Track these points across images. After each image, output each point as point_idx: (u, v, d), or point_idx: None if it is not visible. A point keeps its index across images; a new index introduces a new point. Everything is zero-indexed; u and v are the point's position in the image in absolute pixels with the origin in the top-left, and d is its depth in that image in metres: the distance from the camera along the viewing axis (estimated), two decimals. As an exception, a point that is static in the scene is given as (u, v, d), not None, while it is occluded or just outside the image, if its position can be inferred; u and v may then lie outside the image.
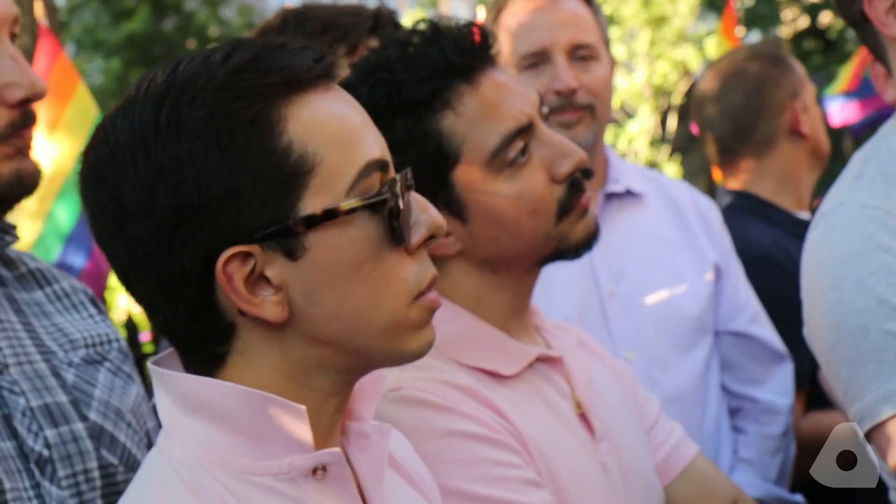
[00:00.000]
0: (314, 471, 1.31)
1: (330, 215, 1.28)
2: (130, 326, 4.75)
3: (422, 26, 1.85)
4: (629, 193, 2.88)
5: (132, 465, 1.83)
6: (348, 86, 1.86)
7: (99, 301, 2.00)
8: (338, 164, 1.29)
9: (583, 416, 1.90)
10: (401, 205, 1.32)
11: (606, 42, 2.89)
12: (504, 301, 1.89)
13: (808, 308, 1.95)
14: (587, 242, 1.89)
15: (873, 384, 1.80)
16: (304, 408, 1.30)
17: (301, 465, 1.31)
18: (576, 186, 1.86)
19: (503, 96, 1.83)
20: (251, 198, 1.26)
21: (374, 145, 1.33)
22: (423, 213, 1.35)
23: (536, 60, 2.78)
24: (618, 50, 10.98)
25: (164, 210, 1.26)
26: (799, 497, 2.83)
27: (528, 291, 1.94)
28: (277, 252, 1.28)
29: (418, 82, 1.80)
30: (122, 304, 6.57)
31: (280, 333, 1.31)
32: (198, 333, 1.31)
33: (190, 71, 1.29)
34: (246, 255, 1.27)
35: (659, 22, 10.77)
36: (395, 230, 1.31)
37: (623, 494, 1.88)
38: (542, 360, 1.90)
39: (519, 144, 1.82)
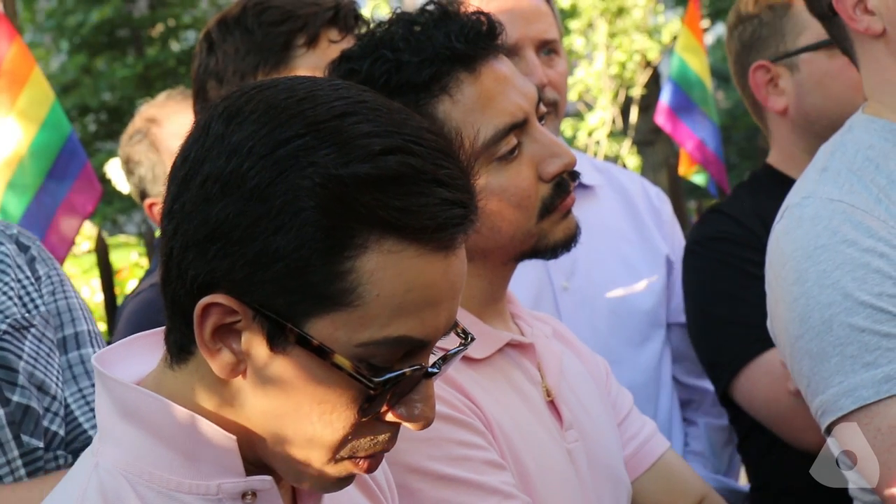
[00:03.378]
0: (243, 495, 1.31)
1: (321, 353, 1.23)
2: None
3: (431, 8, 1.85)
4: (581, 186, 2.87)
5: (53, 443, 1.81)
6: (350, 57, 1.83)
7: (23, 243, 1.95)
8: (374, 318, 1.23)
9: (552, 404, 1.91)
10: (383, 401, 1.27)
11: (561, 36, 2.90)
12: (479, 289, 1.89)
13: (772, 301, 1.96)
14: (566, 244, 1.90)
15: (836, 378, 1.80)
16: (234, 438, 1.29)
17: (230, 489, 1.30)
18: (561, 187, 1.88)
19: (502, 89, 1.83)
20: (280, 278, 1.22)
21: (427, 325, 1.26)
22: (421, 402, 1.29)
23: (506, 54, 2.77)
24: (577, 42, 10.99)
25: (214, 219, 1.23)
26: (749, 487, 2.84)
27: (504, 282, 1.95)
28: (262, 331, 1.24)
29: (419, 65, 1.80)
30: (84, 294, 6.50)
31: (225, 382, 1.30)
32: (178, 323, 1.31)
33: (336, 129, 1.23)
34: (233, 311, 1.24)
35: (618, 12, 10.79)
36: (362, 408, 1.26)
37: (588, 483, 1.89)
38: (513, 345, 1.91)
39: (512, 140, 1.83)
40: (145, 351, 1.40)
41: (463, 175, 1.28)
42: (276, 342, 1.24)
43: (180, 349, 1.31)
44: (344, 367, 1.23)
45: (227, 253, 1.22)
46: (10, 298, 1.85)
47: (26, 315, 1.85)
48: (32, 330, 1.85)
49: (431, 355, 1.31)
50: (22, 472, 1.75)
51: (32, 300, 1.89)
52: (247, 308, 1.23)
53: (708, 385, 2.86)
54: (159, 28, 19.12)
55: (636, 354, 2.78)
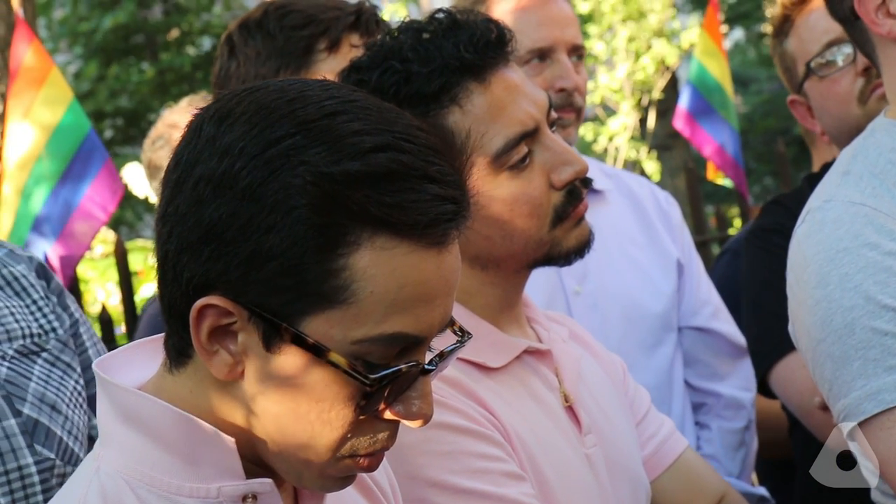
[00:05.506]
0: (244, 498, 1.31)
1: (317, 351, 1.24)
2: (105, 320, 4.70)
3: (440, 16, 1.85)
4: (591, 191, 2.88)
5: (70, 459, 1.81)
6: (359, 67, 1.83)
7: (48, 271, 1.97)
8: (368, 315, 1.23)
9: (570, 409, 1.91)
10: (380, 398, 1.27)
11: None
12: (493, 297, 1.90)
13: (793, 304, 1.95)
14: (579, 251, 1.90)
15: (858, 382, 1.79)
16: (233, 440, 1.29)
17: (230, 491, 1.31)
18: (574, 195, 1.87)
19: (512, 98, 1.83)
20: (274, 277, 1.22)
21: (421, 322, 1.26)
22: (418, 399, 1.29)
23: (541, 56, 2.80)
24: (597, 46, 10.99)
25: (208, 221, 1.23)
26: (762, 489, 2.84)
27: (518, 290, 1.95)
28: (257, 331, 1.25)
29: (428, 75, 1.80)
30: (99, 297, 6.52)
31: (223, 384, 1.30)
32: (176, 327, 1.31)
33: (326, 128, 1.23)
34: (229, 313, 1.24)
35: (638, 17, 10.79)
36: (360, 406, 1.27)
37: (608, 487, 1.88)
38: (530, 352, 1.91)
39: (523, 149, 1.83)
40: (146, 357, 1.41)
41: (454, 171, 1.28)
42: (272, 342, 1.24)
43: (179, 353, 1.32)
44: (340, 365, 1.23)
45: (222, 254, 1.23)
46: (18, 321, 1.86)
47: (37, 341, 1.85)
48: (44, 354, 1.86)
49: (429, 353, 1.32)
50: (35, 478, 1.75)
51: (49, 322, 1.90)
52: (242, 309, 1.24)
53: (720, 388, 2.89)
54: (174, 33, 19.17)
55: (648, 358, 2.79)
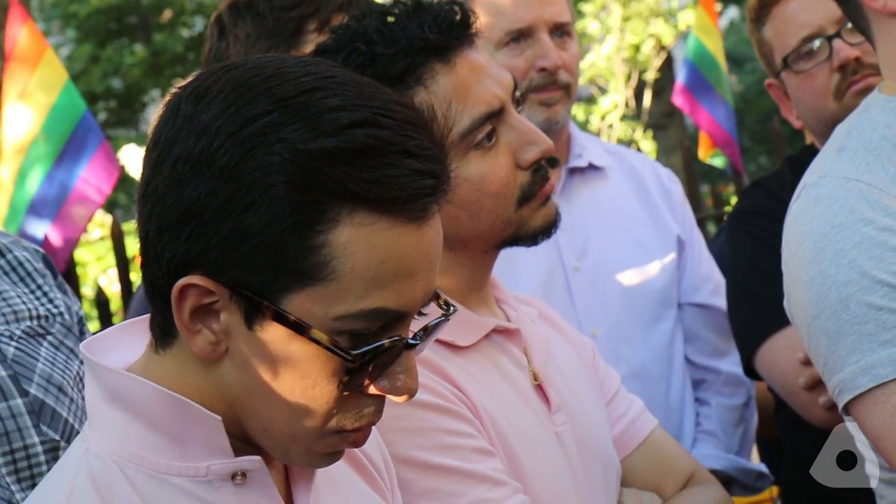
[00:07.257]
0: (233, 476, 1.32)
1: (298, 329, 1.24)
2: (101, 302, 4.70)
3: None
4: (592, 167, 2.91)
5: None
6: (325, 50, 1.84)
7: (53, 265, 1.99)
8: (349, 291, 1.23)
9: (539, 387, 1.92)
10: (364, 374, 1.27)
11: (573, 19, 2.93)
12: (461, 277, 1.91)
13: (788, 280, 1.95)
14: (546, 230, 1.91)
15: (853, 356, 1.80)
16: (219, 419, 1.30)
17: (219, 470, 1.31)
18: (540, 174, 1.88)
19: (477, 78, 1.84)
20: (253, 255, 1.23)
21: (403, 297, 1.26)
22: (403, 374, 1.30)
23: (520, 36, 2.80)
24: (591, 25, 10.97)
25: (187, 200, 1.23)
26: (762, 466, 2.86)
27: (487, 270, 1.96)
28: (239, 309, 1.25)
29: (393, 56, 1.81)
30: (102, 283, 6.52)
31: (208, 363, 1.30)
32: (159, 307, 1.31)
33: (304, 104, 1.24)
34: (210, 292, 1.25)
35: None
36: (342, 382, 1.27)
37: (577, 465, 1.90)
38: (498, 331, 1.92)
39: (487, 128, 1.83)
40: (133, 337, 1.41)
41: (434, 146, 1.28)
42: (254, 320, 1.25)
43: (163, 333, 1.32)
44: (321, 341, 1.24)
45: (201, 233, 1.23)
46: (25, 303, 1.87)
47: (43, 323, 1.87)
48: (49, 338, 1.87)
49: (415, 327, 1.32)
50: (42, 458, 1.76)
51: (56, 307, 1.91)
52: (223, 287, 1.24)
53: (720, 365, 2.90)
54: (167, 14, 19.12)
55: (648, 334, 2.80)
